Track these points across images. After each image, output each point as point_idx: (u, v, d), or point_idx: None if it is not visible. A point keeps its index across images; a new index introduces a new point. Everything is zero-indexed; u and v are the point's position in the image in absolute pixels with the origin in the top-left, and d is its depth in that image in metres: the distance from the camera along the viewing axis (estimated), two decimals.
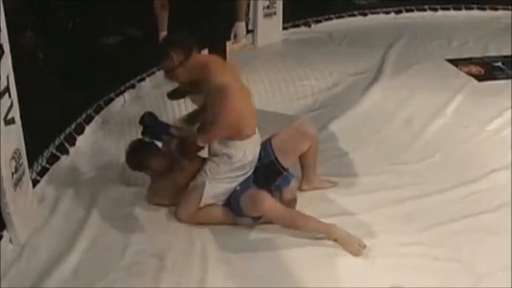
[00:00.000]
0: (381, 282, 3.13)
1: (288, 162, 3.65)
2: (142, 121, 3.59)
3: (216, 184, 3.51)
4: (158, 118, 3.67)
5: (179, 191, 3.59)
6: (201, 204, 3.52)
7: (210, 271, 3.21)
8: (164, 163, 3.62)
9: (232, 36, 4.38)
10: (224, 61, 3.77)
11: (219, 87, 3.29)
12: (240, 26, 4.38)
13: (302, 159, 3.72)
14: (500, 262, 3.24)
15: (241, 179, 3.52)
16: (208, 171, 3.51)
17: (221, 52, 4.20)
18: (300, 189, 3.76)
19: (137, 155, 3.67)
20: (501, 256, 3.28)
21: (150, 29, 4.21)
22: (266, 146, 3.60)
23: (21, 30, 3.82)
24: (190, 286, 3.13)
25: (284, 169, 3.62)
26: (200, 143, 3.47)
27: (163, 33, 4.09)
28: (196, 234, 3.49)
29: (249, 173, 3.56)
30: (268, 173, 3.58)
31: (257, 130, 3.55)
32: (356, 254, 3.28)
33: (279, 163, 3.59)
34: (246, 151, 3.49)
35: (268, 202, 3.39)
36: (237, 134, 3.44)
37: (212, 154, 3.53)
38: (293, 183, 3.66)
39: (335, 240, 3.34)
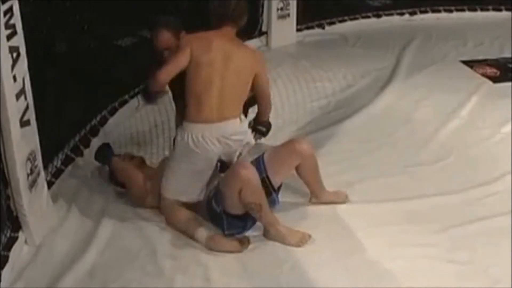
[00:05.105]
0: (394, 283, 3.12)
1: (279, 179, 3.51)
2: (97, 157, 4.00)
3: (177, 167, 3.50)
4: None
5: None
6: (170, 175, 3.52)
7: (224, 272, 3.22)
8: (123, 177, 3.77)
9: None
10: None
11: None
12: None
13: (301, 177, 3.60)
14: None
15: (197, 177, 3.48)
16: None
17: None
18: (309, 201, 3.71)
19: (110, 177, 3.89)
20: None
21: None
22: (259, 162, 3.44)
23: (36, 33, 3.86)
24: (203, 286, 3.14)
25: (274, 190, 3.48)
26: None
27: None
28: None
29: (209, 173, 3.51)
30: None
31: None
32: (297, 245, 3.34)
33: (270, 182, 3.43)
34: (186, 136, 3.44)
35: (248, 170, 3.27)
36: (187, 111, 3.45)
37: None
38: None
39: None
